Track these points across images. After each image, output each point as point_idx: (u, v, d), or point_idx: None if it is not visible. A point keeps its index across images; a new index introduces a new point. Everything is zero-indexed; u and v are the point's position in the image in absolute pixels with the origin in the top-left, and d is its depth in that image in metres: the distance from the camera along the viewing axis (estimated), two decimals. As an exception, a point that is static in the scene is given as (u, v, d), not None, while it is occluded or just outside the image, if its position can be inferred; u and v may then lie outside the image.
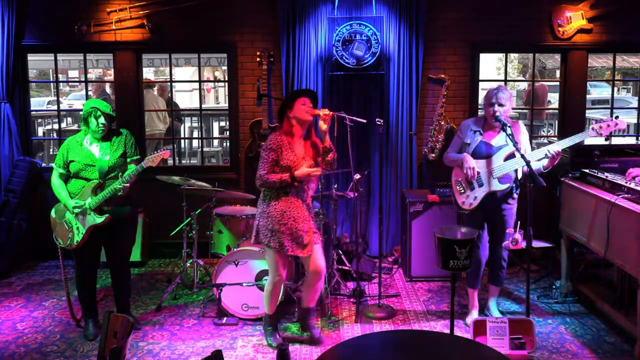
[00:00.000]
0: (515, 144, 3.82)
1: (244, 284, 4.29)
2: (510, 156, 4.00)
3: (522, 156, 3.73)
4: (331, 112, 3.80)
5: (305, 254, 3.84)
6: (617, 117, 3.93)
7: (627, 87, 14.61)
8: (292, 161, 3.76)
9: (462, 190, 4.14)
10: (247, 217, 4.80)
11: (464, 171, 4.04)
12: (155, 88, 7.79)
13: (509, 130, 3.87)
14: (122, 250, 4.21)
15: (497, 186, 4.03)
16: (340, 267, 5.07)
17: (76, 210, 3.95)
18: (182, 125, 9.55)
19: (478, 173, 4.04)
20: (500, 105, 4.00)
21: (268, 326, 4.05)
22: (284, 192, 3.79)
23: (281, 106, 3.88)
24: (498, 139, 4.10)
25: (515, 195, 4.16)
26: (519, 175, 4.09)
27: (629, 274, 3.83)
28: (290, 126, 3.81)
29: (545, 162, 3.98)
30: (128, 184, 3.92)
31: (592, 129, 3.89)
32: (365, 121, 4.53)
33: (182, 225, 5.00)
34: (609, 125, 3.86)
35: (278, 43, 5.72)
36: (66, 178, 4.05)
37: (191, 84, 12.95)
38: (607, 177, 4.12)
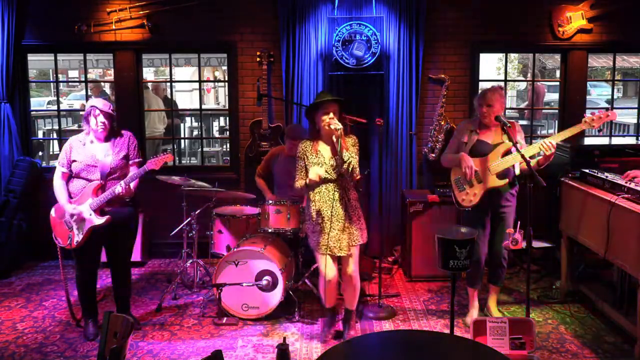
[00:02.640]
0: (515, 143, 3.83)
1: (244, 284, 4.30)
2: (507, 153, 4.02)
3: (522, 156, 3.74)
4: (339, 129, 3.66)
5: (340, 254, 3.84)
6: (608, 109, 3.98)
7: (619, 87, 14.58)
8: (318, 164, 3.80)
9: (462, 188, 4.15)
10: (247, 217, 4.80)
11: (462, 170, 4.06)
12: (150, 87, 7.74)
13: (506, 130, 3.90)
14: (123, 251, 4.21)
15: (496, 182, 4.04)
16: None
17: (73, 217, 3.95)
18: (182, 125, 9.56)
19: (476, 171, 4.06)
20: (489, 105, 4.04)
21: (325, 317, 4.18)
22: (318, 191, 3.82)
23: (307, 109, 3.91)
24: (495, 137, 4.13)
25: (515, 193, 4.17)
26: (517, 172, 4.10)
27: (629, 274, 3.83)
28: (316, 130, 3.86)
29: (540, 158, 3.97)
30: (128, 187, 3.91)
31: (585, 121, 3.92)
32: (365, 121, 4.51)
33: (182, 226, 5.00)
34: (600, 117, 3.88)
35: (278, 43, 5.72)
36: (68, 177, 4.04)
37: (191, 84, 12.96)
38: (607, 177, 4.11)
